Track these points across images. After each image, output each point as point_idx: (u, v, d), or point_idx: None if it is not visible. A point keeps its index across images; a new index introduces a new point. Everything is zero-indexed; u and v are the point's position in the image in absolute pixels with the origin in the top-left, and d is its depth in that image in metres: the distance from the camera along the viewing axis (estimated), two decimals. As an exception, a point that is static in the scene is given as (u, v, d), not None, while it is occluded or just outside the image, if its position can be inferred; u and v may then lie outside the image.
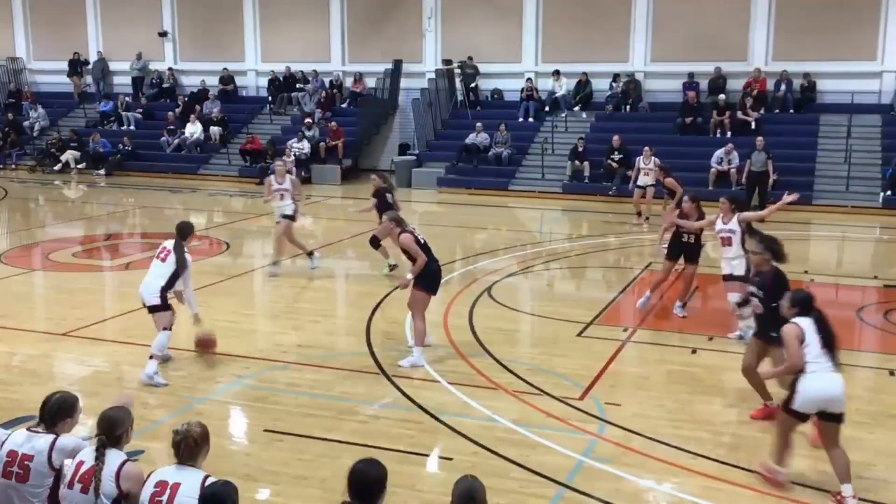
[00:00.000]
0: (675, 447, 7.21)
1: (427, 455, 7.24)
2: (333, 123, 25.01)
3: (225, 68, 27.82)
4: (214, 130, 25.88)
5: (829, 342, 6.31)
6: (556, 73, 24.44)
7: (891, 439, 7.50)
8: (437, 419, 7.76)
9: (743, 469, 6.82)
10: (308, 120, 25.14)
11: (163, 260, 8.70)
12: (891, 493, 6.50)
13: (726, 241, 10.02)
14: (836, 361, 6.31)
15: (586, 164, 21.69)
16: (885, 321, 11.10)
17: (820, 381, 6.20)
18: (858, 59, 22.19)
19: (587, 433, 7.53)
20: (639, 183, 18.24)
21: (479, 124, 23.53)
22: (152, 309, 8.70)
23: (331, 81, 27.02)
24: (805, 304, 6.50)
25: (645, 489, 6.63)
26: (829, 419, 6.29)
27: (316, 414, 7.94)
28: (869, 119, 21.54)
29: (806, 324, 6.34)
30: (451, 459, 7.03)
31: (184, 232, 8.88)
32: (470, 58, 25.27)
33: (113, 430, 4.87)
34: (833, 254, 16.44)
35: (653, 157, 18.19)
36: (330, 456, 6.99)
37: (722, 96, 22.43)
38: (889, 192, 19.27)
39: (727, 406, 8.28)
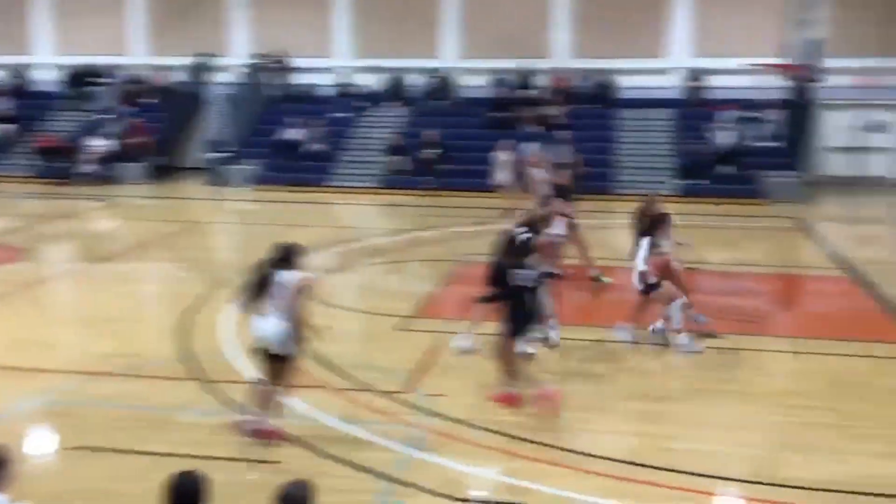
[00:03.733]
0: (500, 432, 7.43)
1: (251, 461, 7.06)
2: (136, 120, 23.83)
3: (13, 62, 25.81)
4: (6, 128, 23.97)
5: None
6: (371, 68, 24.50)
7: (693, 411, 8.08)
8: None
9: (559, 448, 7.13)
10: (105, 116, 23.81)
11: None
12: (697, 461, 6.99)
13: None
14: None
15: (404, 158, 21.90)
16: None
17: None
18: (650, 57, 23.78)
19: (413, 425, 7.61)
20: (499, 180, 18.28)
21: (293, 119, 23.18)
22: None
23: (132, 75, 25.71)
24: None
25: (472, 476, 6.78)
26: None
27: (130, 426, 7.55)
28: (661, 113, 23.11)
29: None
30: (277, 463, 6.90)
31: None
32: (281, 52, 24.84)
33: None
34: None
35: (517, 150, 18.49)
36: (148, 469, 6.66)
37: (529, 92, 23.33)
38: (681, 181, 20.75)
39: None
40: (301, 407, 7.91)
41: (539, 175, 12.99)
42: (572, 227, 12.46)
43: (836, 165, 23.17)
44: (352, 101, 24.45)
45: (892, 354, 9.70)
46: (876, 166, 23.10)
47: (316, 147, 22.80)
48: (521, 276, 7.88)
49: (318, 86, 25.30)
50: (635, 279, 9.63)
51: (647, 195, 11.96)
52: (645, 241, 9.66)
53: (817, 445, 7.25)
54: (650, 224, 9.93)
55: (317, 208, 20.19)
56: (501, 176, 18.30)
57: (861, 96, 22.64)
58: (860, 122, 23.05)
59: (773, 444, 7.35)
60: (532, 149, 19.07)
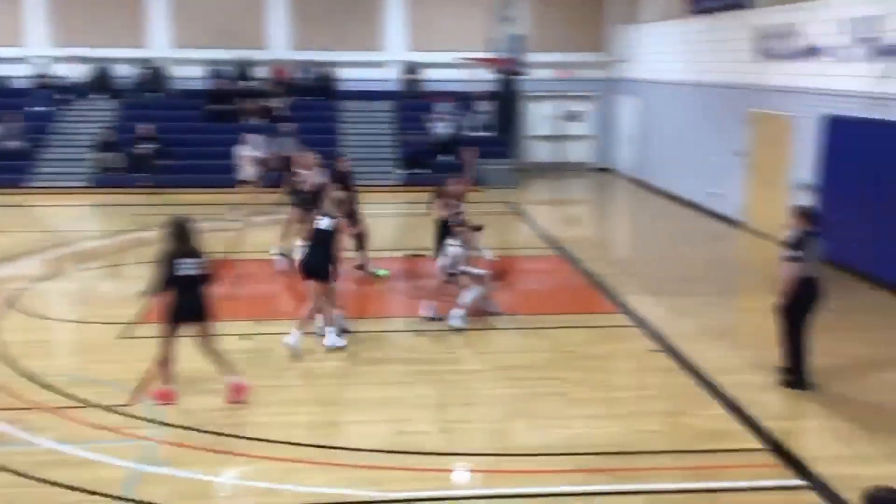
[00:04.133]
0: (234, 435, 7.20)
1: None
2: None
3: None
4: None
5: None
6: (72, 58, 22.63)
7: (426, 394, 8.34)
8: (-39, 455, 6.76)
9: (299, 444, 7.05)
10: None
11: None
12: (431, 440, 7.24)
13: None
14: None
15: (117, 155, 20.49)
16: (414, 287, 12.25)
17: None
18: (369, 50, 24.18)
19: (141, 438, 7.16)
20: (242, 176, 17.41)
21: (-18, 114, 20.87)
22: None
23: None
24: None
25: (207, 483, 6.51)
26: None
27: None
28: (382, 105, 23.62)
29: None
30: (-16, 497, 6.18)
31: None
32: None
33: None
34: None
35: (257, 143, 17.67)
36: None
37: (248, 83, 22.80)
38: (403, 171, 21.35)
39: (279, 386, 8.48)
40: (11, 432, 7.15)
41: (308, 171, 12.61)
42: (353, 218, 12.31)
43: (541, 152, 25.07)
44: (52, 93, 22.46)
45: (601, 324, 10.66)
46: (574, 153, 25.28)
47: (12, 145, 20.68)
48: (185, 266, 7.76)
49: (12, 77, 22.98)
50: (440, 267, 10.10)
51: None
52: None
53: (542, 413, 7.80)
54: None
55: (17, 211, 18.34)
56: (246, 171, 17.57)
57: (560, 88, 24.66)
58: (560, 113, 25.08)
59: (504, 417, 7.79)
60: (282, 143, 18.73)
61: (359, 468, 6.70)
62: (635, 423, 7.58)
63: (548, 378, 8.67)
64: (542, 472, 6.67)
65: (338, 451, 6.96)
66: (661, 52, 21.17)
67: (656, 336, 10.03)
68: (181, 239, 7.83)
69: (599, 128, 25.15)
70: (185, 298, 7.73)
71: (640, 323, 10.56)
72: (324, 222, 9.36)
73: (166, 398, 7.90)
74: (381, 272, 12.74)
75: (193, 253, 7.82)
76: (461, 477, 6.77)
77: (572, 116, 25.17)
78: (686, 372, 8.89)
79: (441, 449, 7.07)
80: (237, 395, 7.93)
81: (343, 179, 12.63)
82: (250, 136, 18.26)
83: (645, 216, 19.27)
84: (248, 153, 17.62)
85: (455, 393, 8.37)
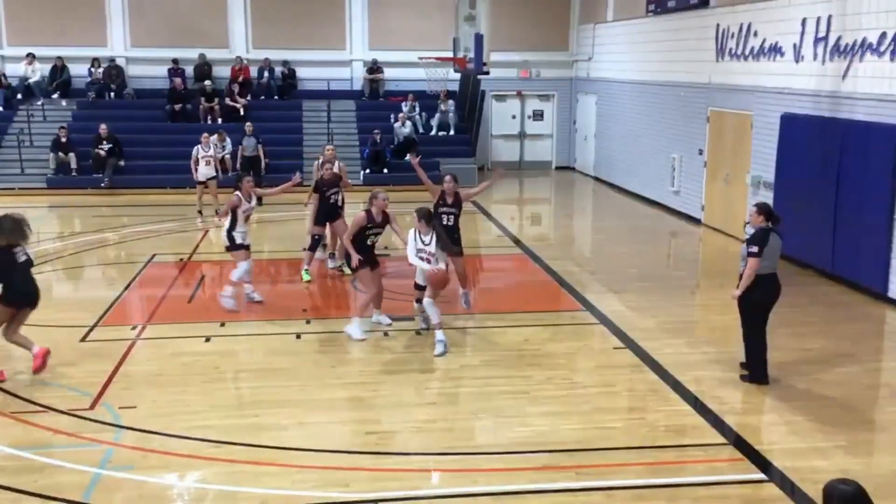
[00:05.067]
0: (197, 439, 7.14)
1: None
2: None
3: None
4: None
5: None
6: (30, 57, 22.23)
7: (391, 393, 8.33)
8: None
9: (264, 447, 7.01)
10: None
11: None
12: (396, 441, 7.24)
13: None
14: None
15: (72, 155, 20.19)
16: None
17: None
18: (331, 49, 24.06)
19: (102, 443, 7.07)
20: (199, 176, 17.09)
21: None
22: None
23: None
24: None
25: (168, 487, 6.44)
26: None
27: None
28: (345, 104, 23.52)
29: None
30: (-61, 506, 6.06)
31: None
32: None
33: None
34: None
35: (213, 144, 17.44)
36: None
37: (209, 83, 22.57)
38: (368, 171, 21.27)
39: (247, 388, 8.42)
40: (-33, 439, 7.02)
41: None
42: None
43: (504, 151, 25.16)
44: (7, 93, 22.00)
45: (565, 321, 10.73)
46: (536, 152, 25.40)
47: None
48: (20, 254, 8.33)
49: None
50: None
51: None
52: (411, 234, 9.63)
53: (506, 412, 7.83)
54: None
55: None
56: (203, 171, 17.20)
57: (522, 87, 24.77)
58: (524, 112, 25.18)
59: (468, 415, 7.81)
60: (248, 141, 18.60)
61: (326, 469, 6.67)
62: (598, 420, 7.64)
63: (511, 377, 8.69)
64: (506, 470, 6.69)
65: (303, 452, 6.93)
66: (622, 51, 21.35)
67: (619, 333, 10.12)
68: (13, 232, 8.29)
69: (561, 126, 25.31)
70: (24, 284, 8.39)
71: (603, 320, 10.65)
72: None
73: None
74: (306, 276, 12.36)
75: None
76: (427, 477, 6.77)
77: (534, 115, 25.30)
78: (648, 368, 8.98)
79: (410, 449, 7.07)
80: (41, 360, 8.42)
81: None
82: (209, 137, 18.05)
83: (606, 214, 19.42)
84: (206, 154, 17.36)
85: (419, 392, 8.37)
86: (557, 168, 25.29)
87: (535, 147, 25.49)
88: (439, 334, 9.41)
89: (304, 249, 12.69)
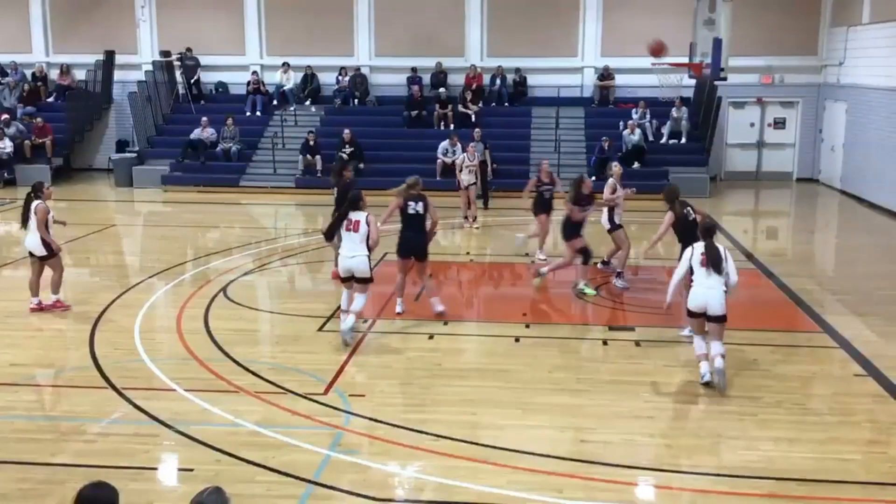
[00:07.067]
0: (419, 431, 7.41)
1: (164, 469, 6.87)
2: (39, 119, 22.97)
3: None
4: None
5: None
6: (285, 66, 24.14)
7: (606, 403, 8.22)
8: (173, 429, 7.39)
9: (482, 445, 7.16)
10: (5, 116, 22.86)
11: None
12: (610, 452, 7.13)
13: None
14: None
15: (318, 158, 21.67)
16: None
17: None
18: (562, 56, 24.10)
19: (333, 427, 7.53)
20: (463, 183, 17.35)
21: (204, 119, 22.65)
22: None
23: (33, 73, 24.77)
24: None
25: (390, 475, 6.75)
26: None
27: (36, 437, 7.26)
28: (573, 111, 23.46)
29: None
30: (191, 470, 6.73)
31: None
32: (189, 49, 24.24)
33: None
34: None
35: (476, 153, 17.84)
36: (55, 482, 6.40)
37: (443, 90, 23.36)
38: (594, 178, 21.06)
39: (467, 387, 8.64)
40: (218, 413, 7.74)
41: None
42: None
43: (740, 161, 24.00)
44: (265, 99, 23.99)
45: (800, 343, 10.06)
46: (779, 161, 23.99)
47: (229, 146, 22.31)
48: None
49: (231, 84, 24.85)
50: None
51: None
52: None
53: (729, 433, 7.47)
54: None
55: (230, 209, 19.78)
56: (466, 177, 17.57)
57: (764, 94, 23.50)
58: (763, 119, 23.88)
59: (688, 433, 7.53)
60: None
61: (540, 473, 6.71)
62: (834, 450, 7.11)
63: (737, 397, 8.27)
64: (730, 493, 6.38)
65: (517, 454, 6.99)
66: (880, 55, 19.66)
67: (861, 359, 9.35)
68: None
69: (804, 135, 23.75)
70: None
71: (844, 344, 9.88)
72: (419, 206, 10.72)
73: None
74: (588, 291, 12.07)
75: None
76: (643, 492, 6.62)
77: (776, 123, 23.93)
78: (894, 400, 8.22)
79: (622, 461, 6.94)
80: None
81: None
82: (473, 148, 18.11)
83: (854, 230, 17.99)
84: (471, 163, 17.44)
85: (632, 405, 8.18)
86: (799, 180, 23.75)
87: (774, 157, 24.09)
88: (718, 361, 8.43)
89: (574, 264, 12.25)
